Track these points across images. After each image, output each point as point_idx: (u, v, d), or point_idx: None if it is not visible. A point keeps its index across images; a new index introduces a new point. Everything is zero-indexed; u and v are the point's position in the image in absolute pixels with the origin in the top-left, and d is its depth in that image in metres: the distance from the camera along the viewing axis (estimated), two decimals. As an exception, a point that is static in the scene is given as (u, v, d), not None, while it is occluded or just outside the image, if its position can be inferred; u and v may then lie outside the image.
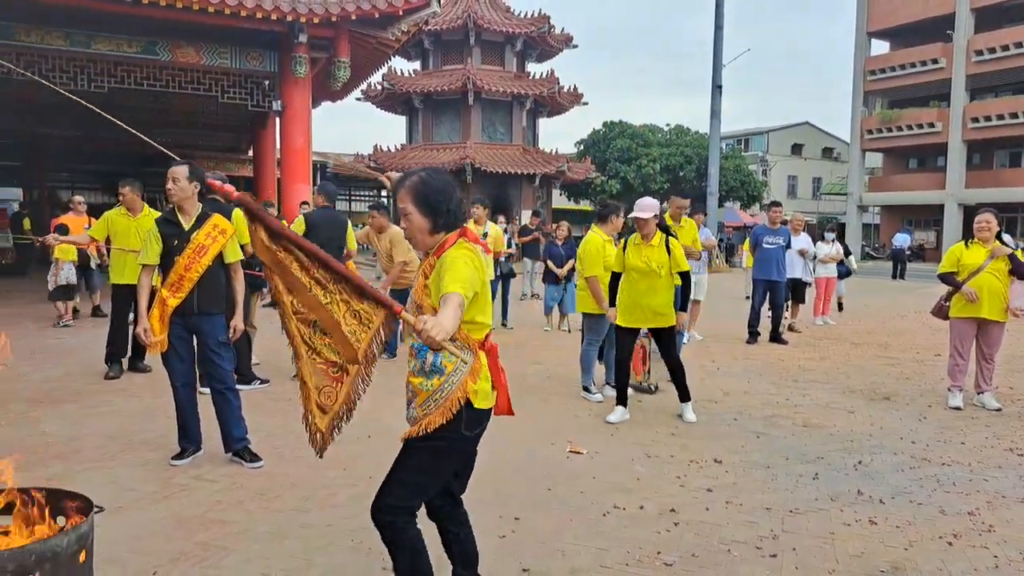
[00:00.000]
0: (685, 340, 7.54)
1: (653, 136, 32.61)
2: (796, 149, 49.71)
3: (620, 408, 5.37)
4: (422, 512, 2.45)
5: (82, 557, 1.97)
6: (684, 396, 5.41)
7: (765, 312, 9.30)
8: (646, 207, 5.24)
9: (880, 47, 37.87)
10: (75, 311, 9.97)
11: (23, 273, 15.98)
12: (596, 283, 5.78)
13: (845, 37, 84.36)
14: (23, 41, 11.05)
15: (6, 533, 2.03)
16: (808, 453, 4.63)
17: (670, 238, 5.34)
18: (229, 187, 2.35)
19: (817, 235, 12.11)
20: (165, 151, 2.95)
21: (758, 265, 9.17)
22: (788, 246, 9.18)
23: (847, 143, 40.40)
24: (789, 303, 9.81)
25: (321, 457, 2.46)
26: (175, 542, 3.17)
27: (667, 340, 5.39)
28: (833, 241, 11.19)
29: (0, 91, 13.39)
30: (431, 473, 2.38)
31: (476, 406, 2.35)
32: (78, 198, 10.44)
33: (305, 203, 11.21)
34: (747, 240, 11.02)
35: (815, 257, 10.50)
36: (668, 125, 34.23)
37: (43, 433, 4.71)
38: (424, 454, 2.34)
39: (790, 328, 9.87)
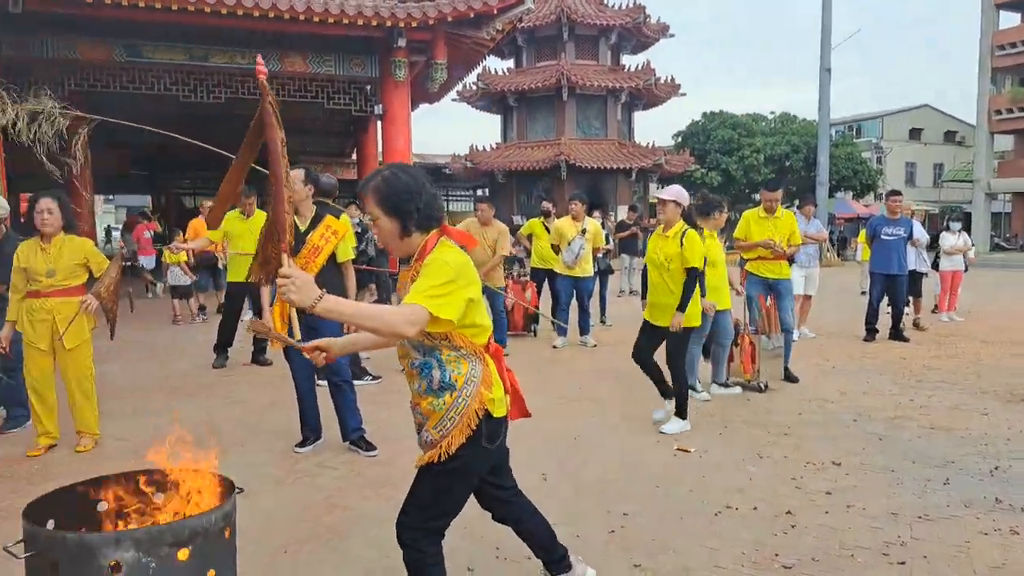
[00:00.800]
0: (796, 337, 7.25)
1: (756, 125, 31.40)
2: (915, 134, 46.51)
3: (667, 403, 5.09)
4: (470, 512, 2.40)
5: (227, 534, 2.12)
6: (665, 394, 5.15)
7: (884, 308, 8.80)
8: (670, 190, 5.01)
9: (1010, 19, 34.86)
10: (202, 308, 10.68)
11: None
12: None
13: (970, 10, 78.20)
14: (150, 58, 11.95)
15: (159, 510, 2.22)
16: (937, 457, 4.35)
17: (689, 231, 4.85)
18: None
19: (942, 225, 11.32)
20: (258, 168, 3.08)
21: (876, 258, 8.67)
22: (910, 237, 8.64)
23: (972, 126, 37.45)
24: (910, 298, 9.23)
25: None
26: (302, 524, 3.36)
27: (671, 343, 4.96)
28: (959, 232, 10.42)
29: (132, 106, 14.53)
30: (455, 494, 2.28)
31: (495, 415, 2.23)
32: (208, 203, 11.11)
33: None
34: (862, 232, 10.47)
35: (930, 246, 9.86)
36: (773, 113, 32.88)
37: (181, 421, 5.08)
38: (445, 477, 2.21)
39: (915, 325, 9.26)
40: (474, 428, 2.17)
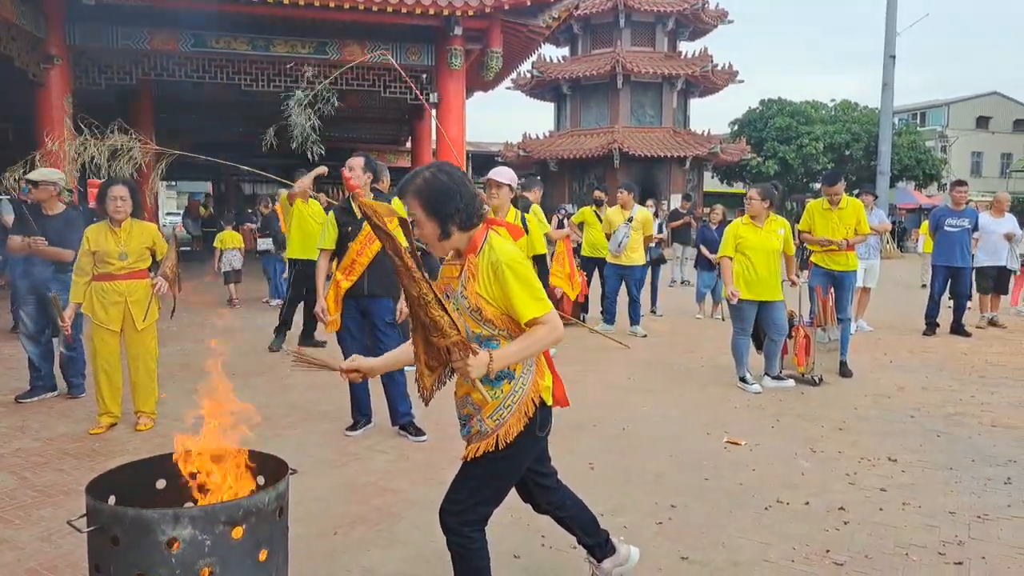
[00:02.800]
0: (852, 330, 7.05)
1: (816, 113, 30.43)
2: (982, 122, 44.42)
3: None
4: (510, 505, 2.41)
5: (279, 514, 2.18)
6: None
7: (946, 302, 8.48)
8: (503, 172, 4.84)
9: (1093, 0, 32.90)
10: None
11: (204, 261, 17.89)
12: (725, 265, 5.74)
13: (1047, -9, 74.04)
14: (214, 48, 12.29)
15: (215, 489, 2.29)
16: (998, 455, 4.19)
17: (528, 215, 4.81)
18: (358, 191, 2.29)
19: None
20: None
21: (938, 250, 8.37)
22: (975, 229, 8.30)
23: (1047, 112, 35.55)
24: (977, 293, 8.85)
25: (427, 405, 2.39)
26: (352, 506, 3.44)
27: None
28: None
29: (194, 94, 14.97)
30: (506, 481, 2.30)
31: (547, 403, 2.26)
32: (285, 192, 11.16)
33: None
34: (924, 223, 10.08)
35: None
36: (833, 100, 31.82)
37: (235, 403, 5.26)
38: (498, 464, 2.24)
39: (991, 323, 8.82)
40: (530, 416, 2.20)
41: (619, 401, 5.39)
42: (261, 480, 2.35)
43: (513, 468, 2.30)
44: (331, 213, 4.52)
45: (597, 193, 9.56)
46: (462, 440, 2.35)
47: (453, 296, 2.22)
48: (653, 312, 9.77)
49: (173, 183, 41.79)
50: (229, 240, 10.64)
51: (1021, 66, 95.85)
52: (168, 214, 39.41)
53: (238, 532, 1.92)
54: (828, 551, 3.01)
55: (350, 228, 4.37)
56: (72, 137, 5.66)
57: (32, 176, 5.18)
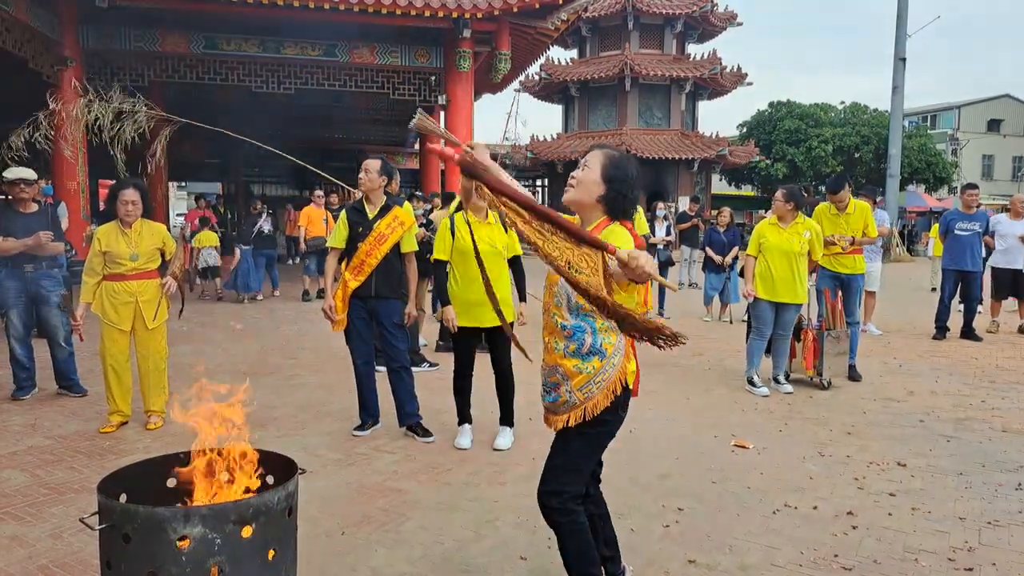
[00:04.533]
0: (861, 334, 7.02)
1: (825, 116, 30.33)
2: (993, 125, 44.14)
3: (466, 427, 4.40)
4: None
5: (288, 514, 2.19)
6: (505, 417, 4.39)
7: (956, 306, 8.42)
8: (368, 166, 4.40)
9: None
10: (305, 293, 11.08)
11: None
12: (748, 263, 5.78)
13: (1060, -6, 73.38)
14: (225, 50, 12.38)
15: (225, 487, 2.31)
16: (1008, 461, 4.16)
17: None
18: (448, 151, 2.30)
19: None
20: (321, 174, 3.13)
21: (949, 253, 8.31)
22: (986, 232, 8.25)
23: (1060, 115, 35.32)
24: (990, 300, 8.74)
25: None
26: (359, 506, 3.45)
27: (504, 342, 4.29)
28: None
29: (205, 94, 15.05)
30: (594, 455, 2.42)
31: (630, 387, 2.37)
32: (318, 192, 11.26)
33: None
34: (934, 226, 10.01)
35: None
36: (842, 103, 31.70)
37: (243, 403, 5.29)
38: (587, 439, 2.36)
39: (1020, 330, 8.55)
40: (616, 395, 2.31)
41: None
42: (271, 480, 2.36)
43: (603, 443, 2.41)
44: (343, 212, 4.54)
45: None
46: (541, 407, 2.49)
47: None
48: (661, 314, 9.75)
49: (183, 184, 41.97)
50: (206, 240, 11.11)
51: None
52: (179, 215, 39.59)
53: (247, 531, 1.93)
54: (836, 556, 3.00)
55: (361, 228, 4.38)
56: (76, 97, 5.62)
57: (8, 175, 5.21)
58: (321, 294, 10.94)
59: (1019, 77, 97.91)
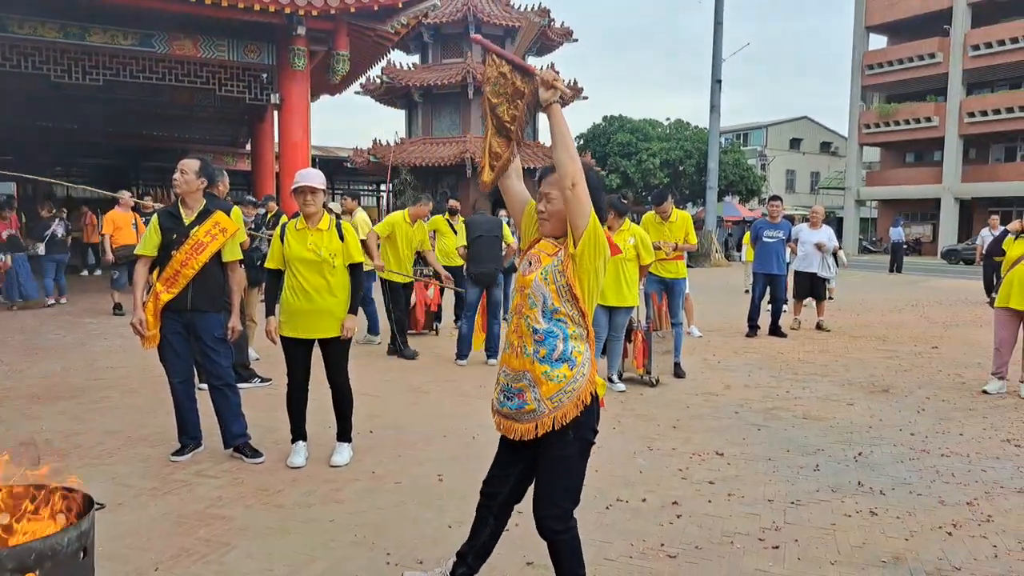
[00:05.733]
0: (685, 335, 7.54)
1: (653, 130, 32.55)
2: (795, 143, 49.66)
3: (300, 444, 4.17)
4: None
5: (82, 555, 1.95)
6: (342, 433, 4.20)
7: (765, 306, 9.29)
8: (315, 176, 4.02)
9: (878, 42, 37.82)
10: (118, 306, 10.07)
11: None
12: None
13: (844, 32, 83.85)
14: (16, 33, 10.98)
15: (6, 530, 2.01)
16: (808, 445, 4.62)
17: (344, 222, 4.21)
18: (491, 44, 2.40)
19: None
20: None
21: (758, 259, 9.15)
22: (788, 239, 9.16)
23: (845, 138, 40.36)
24: (792, 300, 9.73)
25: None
26: (176, 538, 3.15)
27: (337, 355, 4.13)
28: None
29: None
30: (584, 469, 2.41)
31: (599, 398, 2.38)
32: (125, 194, 10.26)
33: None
34: (747, 234, 10.97)
35: (834, 252, 9.81)
36: (668, 119, 34.18)
37: (41, 430, 4.69)
38: (579, 456, 2.37)
39: (818, 327, 9.47)
40: (587, 405, 2.30)
41: (470, 409, 5.39)
42: (62, 519, 2.09)
43: (587, 454, 2.39)
44: (154, 217, 4.14)
45: (452, 203, 9.55)
46: (492, 415, 2.57)
47: (541, 268, 2.35)
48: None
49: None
50: None
51: (826, 95, 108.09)
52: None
53: (30, 579, 1.69)
54: (663, 545, 3.16)
55: (175, 235, 4.01)
56: None
57: None
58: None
59: (816, 101, 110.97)
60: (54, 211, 11.11)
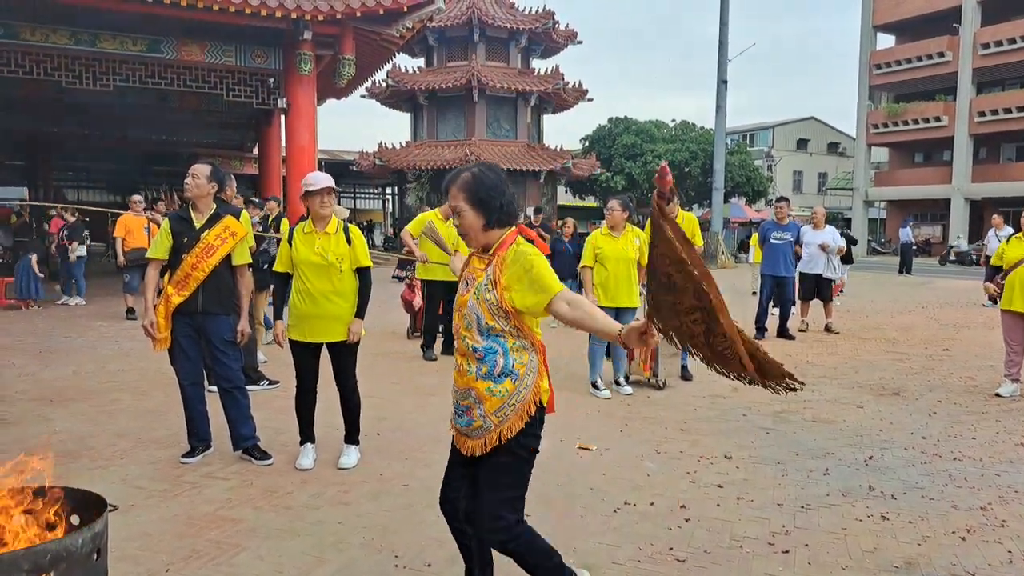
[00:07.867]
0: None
1: (658, 132, 32.50)
2: (802, 144, 49.50)
3: (308, 446, 4.20)
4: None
5: (96, 556, 1.96)
6: (350, 435, 4.22)
7: (772, 308, 9.26)
8: (321, 178, 4.02)
9: (886, 41, 37.68)
10: (130, 311, 10.02)
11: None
12: (586, 274, 5.96)
13: (851, 31, 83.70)
14: (28, 40, 11.10)
15: (19, 533, 2.03)
16: (818, 449, 4.61)
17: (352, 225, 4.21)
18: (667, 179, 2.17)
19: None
20: None
21: (765, 260, 9.12)
22: (796, 241, 9.13)
23: (853, 138, 40.23)
24: (800, 302, 9.68)
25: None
26: (187, 539, 3.18)
27: (345, 359, 4.12)
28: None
29: (5, 88, 13.43)
30: (525, 480, 2.38)
31: (544, 405, 2.36)
32: (136, 197, 10.34)
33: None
34: (754, 235, 10.94)
35: (838, 253, 9.81)
36: (673, 121, 34.12)
37: (54, 432, 4.73)
38: (521, 464, 2.34)
39: (826, 329, 9.44)
40: (532, 415, 2.29)
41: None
42: (76, 520, 2.11)
43: (530, 464, 2.37)
44: (166, 221, 4.18)
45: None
46: (449, 431, 2.47)
47: (475, 286, 2.32)
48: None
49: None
50: None
51: (834, 95, 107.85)
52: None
53: (45, 580, 1.71)
54: (671, 549, 3.15)
55: (186, 239, 4.05)
56: None
57: None
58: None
59: (823, 101, 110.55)
60: (76, 215, 11.38)
